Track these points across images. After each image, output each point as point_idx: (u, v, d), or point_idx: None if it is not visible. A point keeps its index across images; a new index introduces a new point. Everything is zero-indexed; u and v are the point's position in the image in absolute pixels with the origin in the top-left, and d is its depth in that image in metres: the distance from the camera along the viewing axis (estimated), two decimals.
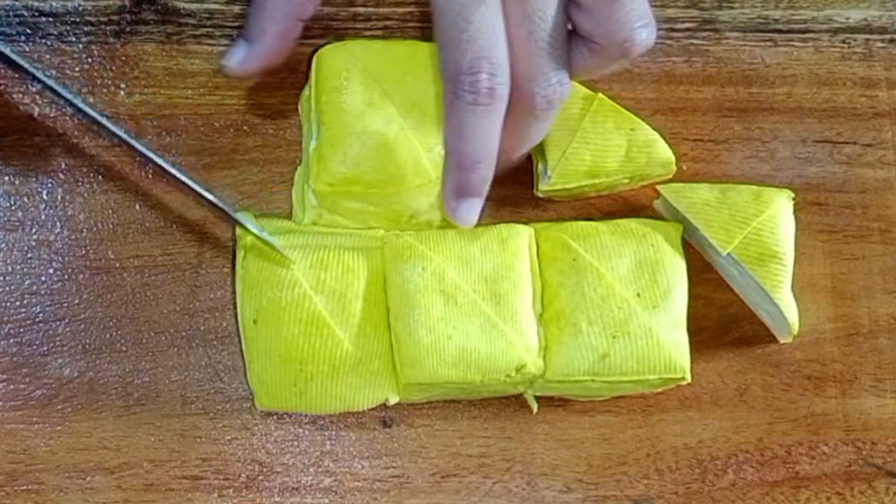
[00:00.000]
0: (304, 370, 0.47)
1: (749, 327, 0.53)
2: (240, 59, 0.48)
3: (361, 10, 0.55)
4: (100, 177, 0.53)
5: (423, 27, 0.55)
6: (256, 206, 0.52)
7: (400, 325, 0.48)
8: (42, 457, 0.50)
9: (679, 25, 0.56)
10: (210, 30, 0.54)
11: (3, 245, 0.52)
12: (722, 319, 0.53)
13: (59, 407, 0.50)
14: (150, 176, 0.53)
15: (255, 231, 0.48)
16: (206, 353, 0.51)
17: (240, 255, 0.49)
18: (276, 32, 0.48)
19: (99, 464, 0.50)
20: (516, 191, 0.54)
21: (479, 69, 0.44)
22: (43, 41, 0.54)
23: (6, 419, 0.50)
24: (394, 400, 0.49)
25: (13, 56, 0.49)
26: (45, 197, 0.52)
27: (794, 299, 0.50)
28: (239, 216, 0.49)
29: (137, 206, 0.52)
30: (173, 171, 0.48)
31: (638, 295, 0.48)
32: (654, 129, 0.52)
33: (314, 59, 0.50)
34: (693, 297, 0.50)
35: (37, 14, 0.54)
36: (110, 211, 0.52)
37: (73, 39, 0.54)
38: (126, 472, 0.50)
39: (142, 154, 0.48)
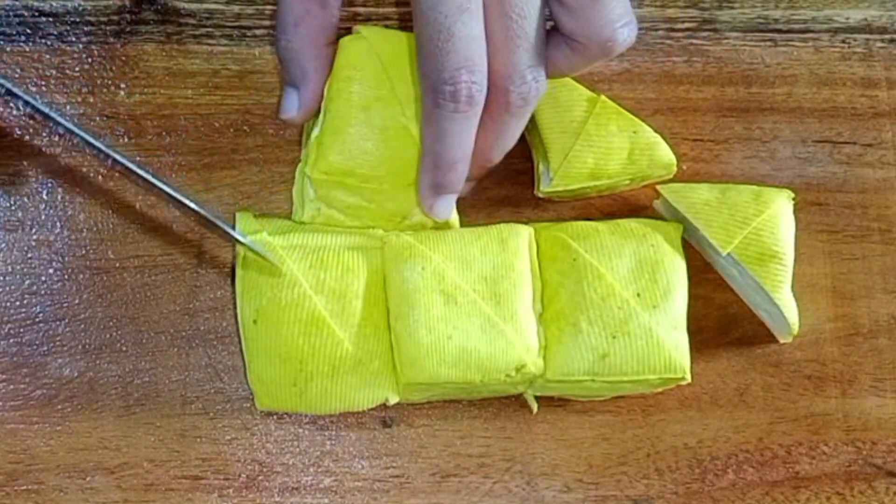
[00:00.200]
0: (304, 370, 0.47)
1: (749, 327, 0.53)
2: (295, 106, 0.49)
3: (362, 10, 0.55)
4: (100, 177, 0.53)
5: None
6: (256, 206, 0.53)
7: (400, 324, 0.48)
8: (42, 457, 0.50)
9: (679, 25, 0.56)
10: (210, 30, 0.54)
11: (3, 245, 0.52)
12: (722, 319, 0.53)
13: (59, 407, 0.50)
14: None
15: (245, 242, 0.48)
16: (206, 353, 0.51)
17: (240, 254, 0.49)
18: (314, 67, 0.48)
19: (99, 464, 0.50)
20: (516, 191, 0.54)
21: (460, 79, 0.44)
22: (43, 41, 0.54)
23: (6, 419, 0.50)
24: (394, 400, 0.49)
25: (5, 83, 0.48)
26: (45, 197, 0.52)
27: (794, 299, 0.50)
28: (232, 230, 0.48)
29: (137, 206, 0.52)
30: (162, 186, 0.47)
31: (638, 295, 0.48)
32: (654, 129, 0.52)
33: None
34: (693, 297, 0.50)
35: (37, 14, 0.54)
36: (110, 211, 0.52)
37: (73, 39, 0.54)
38: (126, 472, 0.50)
39: (127, 168, 0.47)
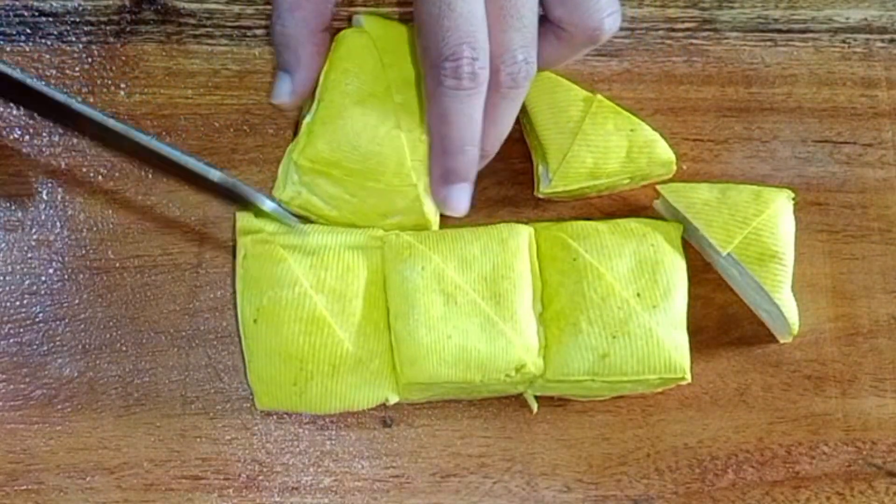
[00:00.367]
0: (305, 369, 0.47)
1: (749, 327, 0.53)
2: (287, 91, 0.49)
3: (362, 9, 0.55)
4: (100, 177, 0.53)
5: None
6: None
7: (400, 324, 0.48)
8: (42, 457, 0.50)
9: (679, 25, 0.56)
10: (210, 30, 0.54)
11: (3, 245, 0.52)
12: (722, 319, 0.53)
13: (59, 407, 0.50)
14: (150, 176, 0.53)
15: (270, 208, 0.48)
16: (206, 353, 0.51)
17: (240, 254, 0.49)
18: (309, 52, 0.48)
19: (99, 464, 0.50)
20: (516, 191, 0.54)
21: (461, 54, 0.44)
22: (43, 41, 0.54)
23: (6, 419, 0.50)
24: (394, 400, 0.49)
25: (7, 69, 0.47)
26: (45, 197, 0.52)
27: (794, 299, 0.50)
28: (253, 194, 0.48)
29: (137, 206, 0.52)
30: (184, 158, 0.47)
31: (638, 295, 0.48)
32: (653, 129, 0.52)
33: (335, 39, 0.50)
34: (693, 297, 0.50)
35: (37, 14, 0.54)
36: (110, 211, 0.52)
37: (73, 39, 0.54)
38: (126, 472, 0.50)
39: (143, 147, 0.47)
